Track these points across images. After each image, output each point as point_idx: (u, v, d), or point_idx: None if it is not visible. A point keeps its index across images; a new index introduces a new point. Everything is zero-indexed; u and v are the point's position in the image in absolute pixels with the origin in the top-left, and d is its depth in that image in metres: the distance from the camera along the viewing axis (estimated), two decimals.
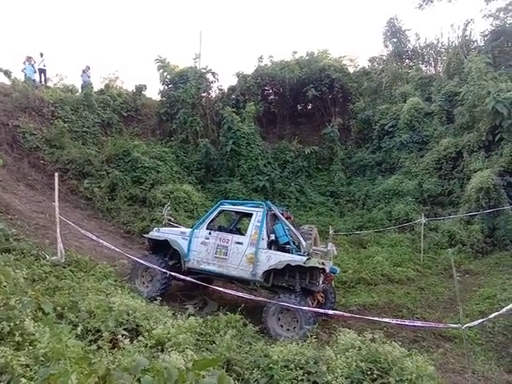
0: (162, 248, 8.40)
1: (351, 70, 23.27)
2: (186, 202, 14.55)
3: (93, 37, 54.76)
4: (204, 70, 19.95)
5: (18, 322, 3.64)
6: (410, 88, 20.37)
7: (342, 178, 18.76)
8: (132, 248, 11.45)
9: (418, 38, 24.73)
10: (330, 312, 7.20)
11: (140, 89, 20.48)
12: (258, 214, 7.85)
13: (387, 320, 6.71)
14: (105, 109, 17.99)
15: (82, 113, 16.82)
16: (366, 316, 7.42)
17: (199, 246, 8.00)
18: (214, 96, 21.07)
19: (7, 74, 17.58)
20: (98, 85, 20.41)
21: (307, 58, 21.64)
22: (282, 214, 8.10)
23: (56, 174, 8.33)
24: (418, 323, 6.51)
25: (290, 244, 7.75)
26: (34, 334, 3.63)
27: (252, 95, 20.17)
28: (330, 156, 19.50)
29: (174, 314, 5.88)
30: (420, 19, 60.71)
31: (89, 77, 19.52)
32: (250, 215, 8.12)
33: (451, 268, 5.56)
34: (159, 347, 4.51)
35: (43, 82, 18.96)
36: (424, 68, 23.81)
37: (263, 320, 7.05)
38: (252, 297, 7.24)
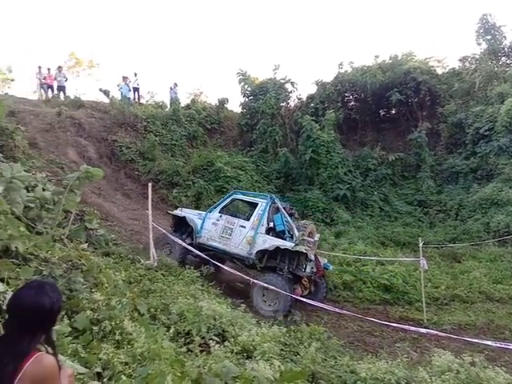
0: (181, 226, 9.76)
1: (439, 71, 21.78)
2: None
3: (179, 55, 58.72)
4: (283, 81, 20.18)
5: (118, 322, 3.90)
6: (509, 87, 18.36)
7: (431, 186, 17.50)
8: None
9: None
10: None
11: (222, 102, 21.34)
12: (262, 205, 9.09)
13: (488, 342, 6.04)
14: (191, 122, 19.06)
15: (171, 127, 18.04)
16: (462, 336, 6.76)
17: (210, 225, 9.29)
18: (292, 105, 21.20)
19: (106, 93, 19.58)
20: (184, 100, 21.79)
21: (390, 61, 20.76)
22: (284, 208, 9.19)
23: (149, 184, 8.98)
24: None
25: (284, 233, 8.78)
26: (131, 334, 3.86)
27: (332, 102, 19.89)
28: (417, 163, 18.36)
29: (257, 321, 5.91)
30: None
31: (176, 93, 20.91)
32: (256, 205, 9.27)
33: None
34: (245, 354, 4.55)
35: (137, 100, 20.73)
36: None
37: (250, 294, 8.09)
38: (336, 309, 7.02)
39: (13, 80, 18.27)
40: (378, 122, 21.05)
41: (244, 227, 8.98)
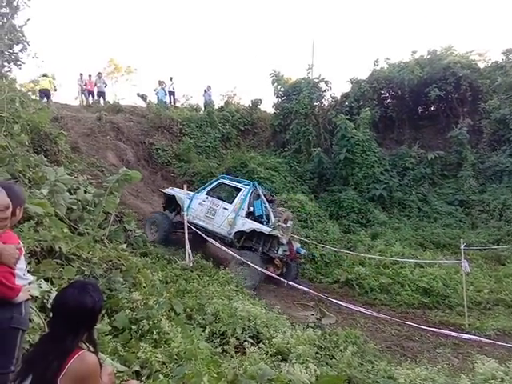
0: (171, 204, 10.62)
1: (481, 65, 20.75)
2: (299, 211, 14.59)
3: (213, 58, 59.50)
4: (317, 80, 19.95)
5: (155, 321, 4.01)
6: None
7: (473, 186, 16.70)
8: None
9: None
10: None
11: (256, 103, 21.41)
12: (244, 190, 9.96)
13: None
14: (224, 124, 19.26)
15: (205, 129, 18.32)
16: (507, 343, 6.42)
17: (197, 205, 10.11)
18: (326, 104, 20.88)
19: (143, 98, 20.17)
20: (218, 102, 22.04)
21: (428, 56, 20.01)
22: (264, 195, 10.11)
23: (185, 186, 9.17)
24: None
25: (262, 217, 9.60)
26: (168, 333, 3.95)
27: (367, 100, 19.44)
28: (457, 161, 17.57)
29: (292, 324, 5.88)
30: None
31: (210, 96, 21.21)
32: (239, 190, 10.15)
33: None
34: (279, 356, 4.54)
35: (172, 103, 21.20)
36: None
37: (229, 267, 8.75)
38: (373, 313, 6.86)
39: (56, 90, 19.25)
40: (416, 120, 20.36)
41: (227, 209, 9.87)
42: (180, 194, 10.53)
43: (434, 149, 18.03)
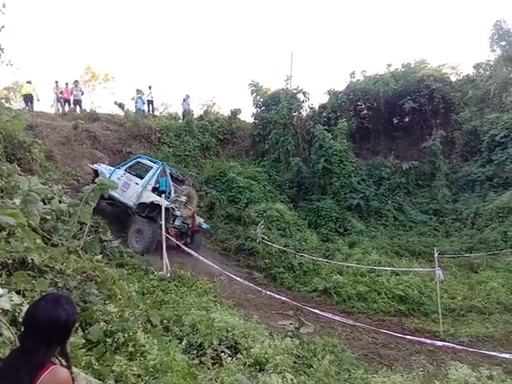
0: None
1: (453, 78, 21.63)
2: (278, 220, 14.67)
3: (192, 67, 59.53)
4: (295, 91, 20.25)
5: (131, 334, 3.94)
6: None
7: (446, 195, 17.21)
8: (228, 265, 11.85)
9: None
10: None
11: (235, 113, 21.51)
12: (154, 169, 11.30)
13: (507, 355, 5.88)
14: (204, 133, 19.23)
15: (184, 138, 18.25)
16: (480, 349, 6.59)
17: (115, 179, 10.65)
18: (305, 115, 21.17)
19: (121, 106, 19.95)
20: (197, 111, 22.02)
21: (403, 69, 20.63)
22: (173, 175, 11.78)
23: (162, 196, 9.07)
24: None
25: (165, 193, 10.66)
26: (144, 346, 3.89)
27: (344, 111, 19.84)
28: (431, 171, 18.09)
29: (270, 333, 5.87)
30: None
31: (188, 105, 21.18)
32: (151, 168, 11.45)
33: None
34: (257, 366, 4.52)
35: (151, 112, 21.05)
36: None
37: (128, 233, 10.29)
38: (351, 321, 6.94)
39: (39, 99, 19.31)
40: (392, 131, 20.87)
41: (137, 184, 11.19)
42: (104, 168, 11.91)
43: (409, 159, 18.51)
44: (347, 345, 6.23)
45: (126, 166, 11.85)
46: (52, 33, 58.92)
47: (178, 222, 11.14)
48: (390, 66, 21.05)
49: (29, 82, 18.61)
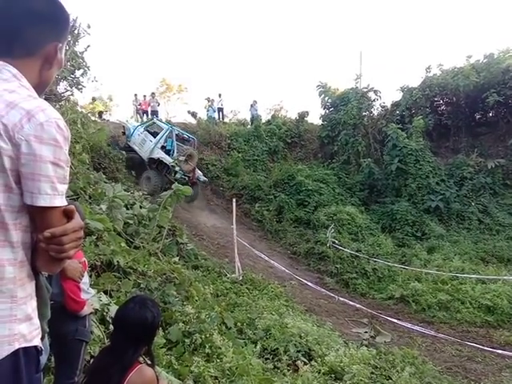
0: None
1: None
2: (349, 223, 14.26)
3: (259, 72, 60.48)
4: (365, 90, 19.58)
5: (207, 335, 4.05)
6: None
7: None
8: (298, 269, 11.76)
9: None
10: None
11: (302, 115, 21.37)
12: (164, 130, 13.76)
13: None
14: (271, 137, 19.39)
15: (253, 143, 18.57)
16: None
17: (137, 135, 13.99)
18: (376, 114, 20.36)
19: (194, 115, 20.88)
20: (265, 116, 22.28)
21: (485, 60, 18.94)
22: (180, 136, 14.21)
23: (234, 200, 9.29)
24: None
25: (171, 151, 13.28)
26: (220, 348, 3.97)
27: (419, 108, 18.73)
28: None
29: (345, 341, 5.69)
30: None
31: (256, 110, 21.50)
32: (162, 129, 13.92)
33: None
34: (333, 375, 4.40)
35: (221, 119, 21.74)
36: None
37: (139, 180, 12.86)
38: (432, 332, 6.49)
39: (110, 109, 21.17)
40: (474, 127, 19.25)
41: (151, 141, 13.46)
42: (130, 124, 14.88)
43: (494, 157, 16.92)
44: (428, 357, 5.82)
45: (145, 125, 14.60)
46: (130, 49, 63.68)
47: (178, 175, 12.80)
48: (469, 57, 19.46)
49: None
